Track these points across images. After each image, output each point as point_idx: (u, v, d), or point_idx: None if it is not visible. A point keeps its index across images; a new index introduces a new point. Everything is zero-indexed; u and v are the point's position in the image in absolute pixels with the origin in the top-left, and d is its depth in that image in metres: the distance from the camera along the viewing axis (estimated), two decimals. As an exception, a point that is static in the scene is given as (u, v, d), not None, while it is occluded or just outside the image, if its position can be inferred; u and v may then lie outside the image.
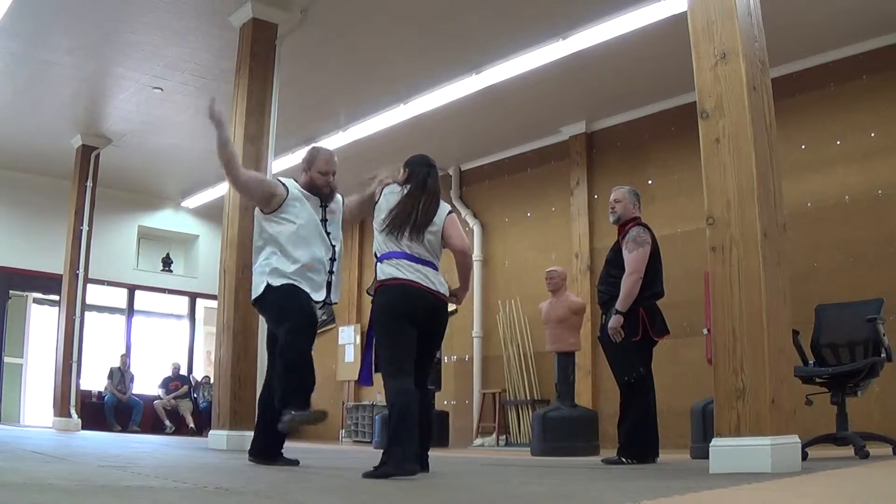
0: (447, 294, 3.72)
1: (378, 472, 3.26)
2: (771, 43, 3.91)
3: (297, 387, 3.79)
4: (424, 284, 3.60)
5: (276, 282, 3.97)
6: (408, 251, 3.63)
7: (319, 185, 4.15)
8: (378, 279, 3.64)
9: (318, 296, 4.06)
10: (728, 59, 3.62)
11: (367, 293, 3.91)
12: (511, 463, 5.17)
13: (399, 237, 3.63)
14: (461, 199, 10.61)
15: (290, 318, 3.92)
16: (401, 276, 3.59)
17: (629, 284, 4.83)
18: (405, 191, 3.72)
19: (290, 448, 4.44)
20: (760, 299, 3.35)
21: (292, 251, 4.01)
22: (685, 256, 7.57)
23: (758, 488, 2.65)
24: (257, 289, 4.04)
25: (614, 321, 4.82)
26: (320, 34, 7.19)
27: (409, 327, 3.58)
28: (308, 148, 4.39)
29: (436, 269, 3.70)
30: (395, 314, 3.59)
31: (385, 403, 9.50)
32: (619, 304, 4.82)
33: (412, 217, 3.65)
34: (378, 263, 3.67)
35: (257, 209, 4.17)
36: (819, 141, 7.37)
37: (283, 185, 4.14)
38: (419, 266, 3.62)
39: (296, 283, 3.98)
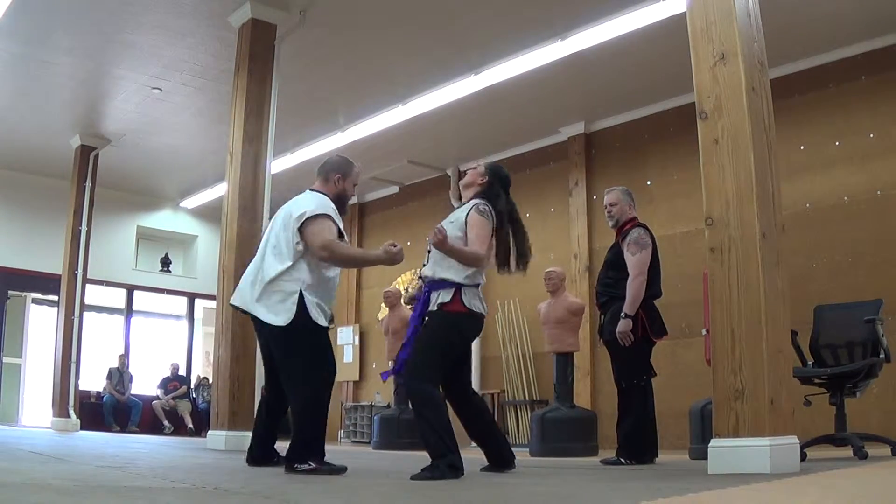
0: None
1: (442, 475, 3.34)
2: (770, 43, 3.91)
3: (319, 437, 3.73)
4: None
5: (321, 320, 3.78)
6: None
7: (348, 198, 4.07)
8: (467, 307, 3.66)
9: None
10: (727, 60, 3.62)
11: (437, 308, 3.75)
12: (510, 463, 5.15)
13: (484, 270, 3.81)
14: (460, 200, 10.60)
15: (325, 371, 3.84)
16: (484, 311, 3.78)
17: (636, 287, 4.82)
18: (493, 216, 3.82)
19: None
20: (759, 300, 3.35)
21: (332, 289, 3.89)
22: (684, 257, 7.58)
23: (756, 489, 2.65)
24: (286, 312, 3.71)
25: (624, 325, 4.80)
26: (319, 35, 7.19)
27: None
28: (337, 156, 4.16)
29: None
30: (466, 339, 3.82)
31: (383, 404, 9.45)
32: (627, 308, 4.80)
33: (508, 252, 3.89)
34: (465, 287, 3.67)
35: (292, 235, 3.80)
36: (818, 142, 7.37)
37: (335, 221, 3.83)
38: None
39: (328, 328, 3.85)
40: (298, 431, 3.68)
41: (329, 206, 3.83)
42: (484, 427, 3.96)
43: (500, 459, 3.91)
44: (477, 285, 3.74)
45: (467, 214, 3.78)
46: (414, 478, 3.27)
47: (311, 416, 3.71)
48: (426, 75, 8.06)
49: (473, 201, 3.85)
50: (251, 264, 3.97)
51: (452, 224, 3.77)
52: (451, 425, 3.55)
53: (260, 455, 4.08)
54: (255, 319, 3.82)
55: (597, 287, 5.29)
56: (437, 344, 3.66)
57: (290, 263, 3.74)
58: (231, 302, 3.99)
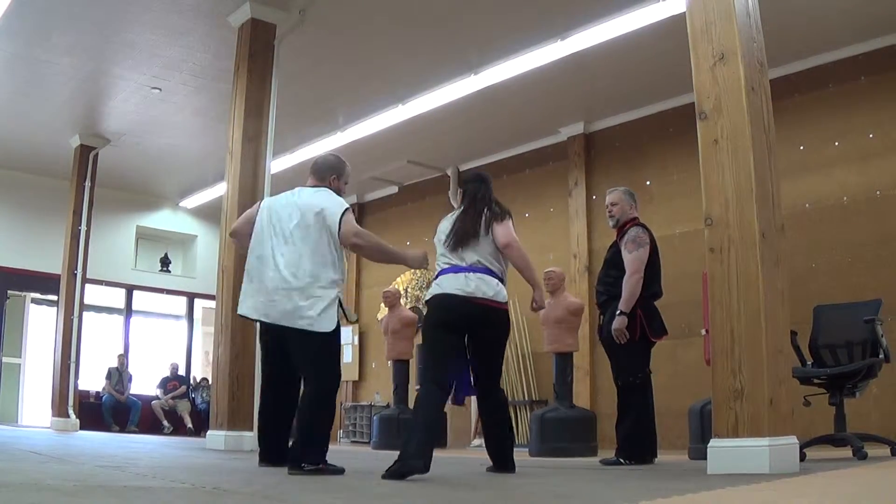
0: (497, 299, 3.87)
1: (389, 472, 3.32)
2: (770, 43, 3.91)
3: (326, 439, 3.72)
4: (463, 293, 3.77)
5: (336, 323, 3.77)
6: (459, 263, 3.85)
7: (344, 196, 4.10)
8: (426, 299, 3.97)
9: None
10: (726, 60, 3.62)
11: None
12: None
13: (453, 251, 3.89)
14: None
15: (338, 367, 3.93)
16: (439, 290, 3.84)
17: (631, 285, 4.82)
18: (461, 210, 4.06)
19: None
20: (759, 300, 3.35)
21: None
22: (683, 257, 7.56)
23: (756, 489, 2.65)
24: (329, 321, 3.68)
25: (618, 322, 4.80)
26: (319, 34, 7.18)
27: (445, 335, 3.81)
28: (331, 156, 4.19)
29: (490, 274, 3.87)
30: (432, 325, 3.84)
31: (383, 404, 9.49)
32: (623, 305, 4.81)
33: (459, 229, 3.92)
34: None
35: (336, 234, 3.79)
36: (817, 142, 7.37)
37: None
38: (467, 274, 3.81)
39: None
40: (317, 431, 3.66)
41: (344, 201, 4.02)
42: (490, 428, 4.03)
43: (497, 462, 3.95)
44: (437, 274, 3.92)
45: None
46: (384, 477, 3.31)
47: (325, 419, 3.70)
48: (426, 75, 8.06)
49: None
50: (269, 268, 3.80)
51: None
52: (420, 424, 3.54)
53: (276, 457, 4.04)
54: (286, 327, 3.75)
55: (597, 286, 5.29)
56: (423, 344, 3.93)
57: (333, 268, 3.76)
58: (266, 321, 3.80)
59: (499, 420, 4.04)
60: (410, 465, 3.31)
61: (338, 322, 3.76)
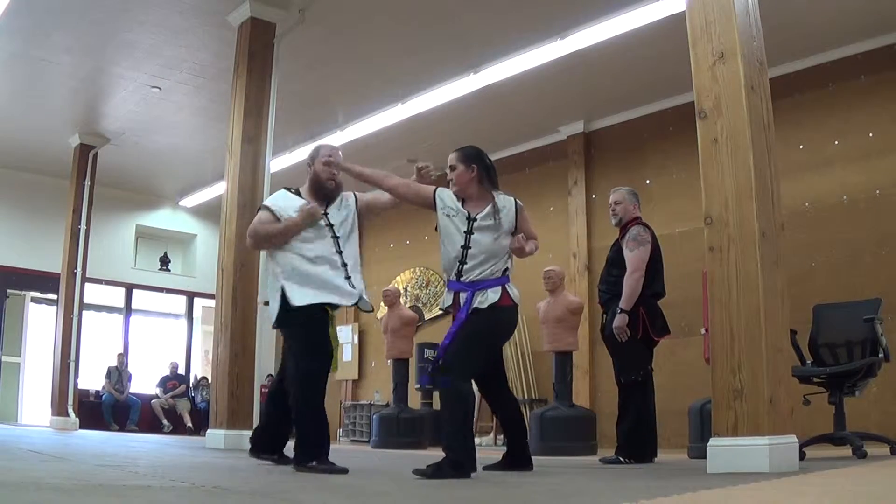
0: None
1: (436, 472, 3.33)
2: (769, 43, 3.91)
3: (321, 437, 3.66)
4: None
5: (300, 300, 3.68)
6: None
7: (324, 179, 3.90)
8: (514, 300, 3.69)
9: (348, 299, 3.80)
10: (726, 59, 3.62)
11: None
12: (509, 462, 5.15)
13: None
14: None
15: (305, 356, 3.68)
16: (519, 301, 3.76)
17: (632, 283, 4.83)
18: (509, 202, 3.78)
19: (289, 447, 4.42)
20: (758, 299, 3.35)
21: (316, 280, 3.78)
22: (683, 256, 7.56)
23: (755, 488, 2.65)
24: (274, 311, 3.77)
25: (619, 320, 4.81)
26: (318, 33, 7.19)
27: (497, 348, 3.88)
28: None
29: None
30: (500, 335, 3.83)
31: (382, 403, 9.45)
32: (623, 303, 4.82)
33: None
34: (508, 282, 3.70)
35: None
36: (817, 141, 7.37)
37: (270, 211, 3.90)
38: None
39: (321, 304, 3.71)
40: (302, 428, 3.66)
41: (271, 199, 4.00)
42: (512, 420, 4.00)
43: (520, 458, 3.94)
44: (508, 275, 3.78)
45: (517, 213, 3.78)
46: (416, 472, 3.29)
47: (310, 410, 3.68)
48: (425, 74, 8.06)
49: (509, 198, 3.80)
50: None
51: (499, 231, 3.70)
52: (472, 428, 3.59)
53: (261, 447, 4.05)
54: None
55: (599, 286, 5.29)
56: (484, 341, 3.67)
57: (273, 260, 3.87)
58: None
59: (518, 412, 4.04)
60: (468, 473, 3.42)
61: (294, 310, 3.67)
